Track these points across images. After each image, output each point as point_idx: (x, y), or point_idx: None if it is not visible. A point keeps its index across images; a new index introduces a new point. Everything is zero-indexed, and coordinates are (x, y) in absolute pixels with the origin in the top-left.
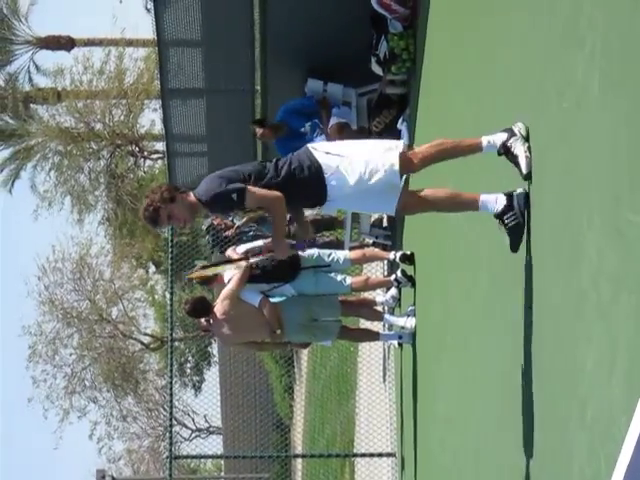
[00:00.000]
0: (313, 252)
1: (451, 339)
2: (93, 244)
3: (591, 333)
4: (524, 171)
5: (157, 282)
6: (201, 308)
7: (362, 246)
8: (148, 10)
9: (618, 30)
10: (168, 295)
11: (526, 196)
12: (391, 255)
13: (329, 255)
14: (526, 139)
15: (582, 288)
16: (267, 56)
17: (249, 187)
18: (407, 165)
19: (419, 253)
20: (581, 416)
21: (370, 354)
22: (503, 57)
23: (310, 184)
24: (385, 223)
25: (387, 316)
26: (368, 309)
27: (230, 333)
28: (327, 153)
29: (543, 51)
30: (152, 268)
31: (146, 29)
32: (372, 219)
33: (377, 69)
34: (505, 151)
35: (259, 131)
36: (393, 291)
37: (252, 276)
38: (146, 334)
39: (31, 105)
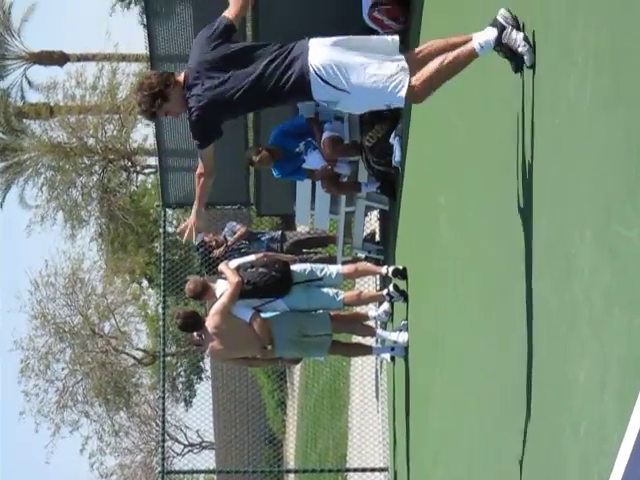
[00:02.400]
0: (305, 267)
1: (444, 353)
2: (85, 259)
3: (584, 347)
4: (528, 63)
5: (150, 297)
6: (192, 322)
7: (355, 260)
8: (143, 25)
9: (610, 47)
10: (161, 310)
11: (509, 11)
12: (383, 269)
13: (321, 270)
14: (517, 27)
15: (575, 302)
16: None
17: None
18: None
19: (411, 267)
20: (574, 431)
21: (363, 369)
22: (496, 73)
23: None
24: (377, 238)
25: (380, 331)
26: (360, 325)
27: (221, 348)
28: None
29: (535, 66)
30: (145, 283)
31: (139, 44)
32: (364, 234)
33: None
34: (501, 47)
35: (256, 158)
36: (385, 306)
37: (244, 291)
38: (138, 349)
39: (24, 120)
